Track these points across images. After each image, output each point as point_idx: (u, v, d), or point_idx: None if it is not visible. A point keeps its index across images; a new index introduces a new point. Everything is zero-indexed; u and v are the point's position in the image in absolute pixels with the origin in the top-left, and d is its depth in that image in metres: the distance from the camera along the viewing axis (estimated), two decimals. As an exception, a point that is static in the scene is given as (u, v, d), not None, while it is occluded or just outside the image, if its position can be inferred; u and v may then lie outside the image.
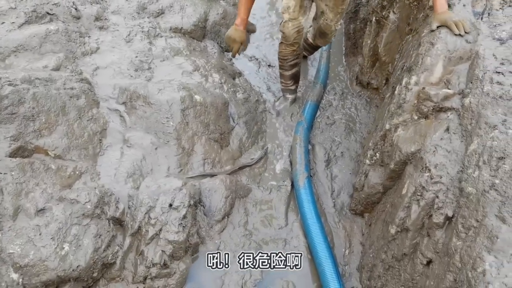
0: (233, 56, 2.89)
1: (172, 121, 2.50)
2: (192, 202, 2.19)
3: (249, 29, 3.79)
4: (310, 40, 3.25)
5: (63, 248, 1.82)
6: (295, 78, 3.17)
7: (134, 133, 2.48)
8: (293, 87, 3.21)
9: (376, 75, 3.19)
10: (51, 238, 1.81)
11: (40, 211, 1.87)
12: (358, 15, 3.59)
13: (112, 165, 2.30)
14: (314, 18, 3.09)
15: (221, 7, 3.72)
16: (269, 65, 3.58)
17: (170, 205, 2.12)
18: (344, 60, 3.69)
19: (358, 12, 3.58)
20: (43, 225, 1.83)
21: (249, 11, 2.74)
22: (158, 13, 3.39)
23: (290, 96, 3.23)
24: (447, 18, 2.13)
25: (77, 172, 2.12)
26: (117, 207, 2.04)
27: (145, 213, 2.08)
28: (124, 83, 2.68)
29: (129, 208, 2.11)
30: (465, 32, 2.06)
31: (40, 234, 1.81)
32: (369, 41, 3.17)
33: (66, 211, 1.89)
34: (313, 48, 3.37)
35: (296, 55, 2.98)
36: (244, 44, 2.81)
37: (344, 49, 3.77)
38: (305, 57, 3.56)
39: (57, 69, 2.54)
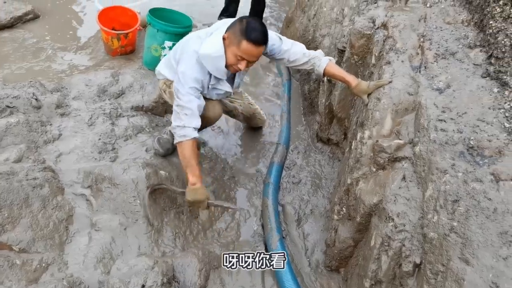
0: (204, 218, 2.62)
1: (139, 199, 2.50)
2: (165, 280, 2.15)
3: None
4: None
5: None
6: None
7: (102, 215, 2.46)
8: None
9: (334, 131, 3.31)
10: None
11: (6, 311, 1.80)
12: (311, 76, 3.79)
13: (80, 252, 2.25)
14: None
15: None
16: (233, 132, 3.67)
17: (143, 286, 2.07)
18: (303, 119, 3.82)
19: (311, 74, 3.77)
20: (9, 326, 1.76)
21: (199, 165, 2.43)
22: (119, 94, 3.48)
23: None
24: (365, 86, 2.39)
25: (43, 264, 2.06)
26: (87, 296, 1.99)
27: (117, 298, 2.02)
28: (88, 167, 2.69)
29: (100, 295, 2.06)
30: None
31: (6, 336, 1.73)
32: (323, 100, 3.32)
33: (33, 308, 1.83)
34: None
35: None
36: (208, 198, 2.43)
37: (302, 108, 3.92)
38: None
39: (18, 160, 2.54)
